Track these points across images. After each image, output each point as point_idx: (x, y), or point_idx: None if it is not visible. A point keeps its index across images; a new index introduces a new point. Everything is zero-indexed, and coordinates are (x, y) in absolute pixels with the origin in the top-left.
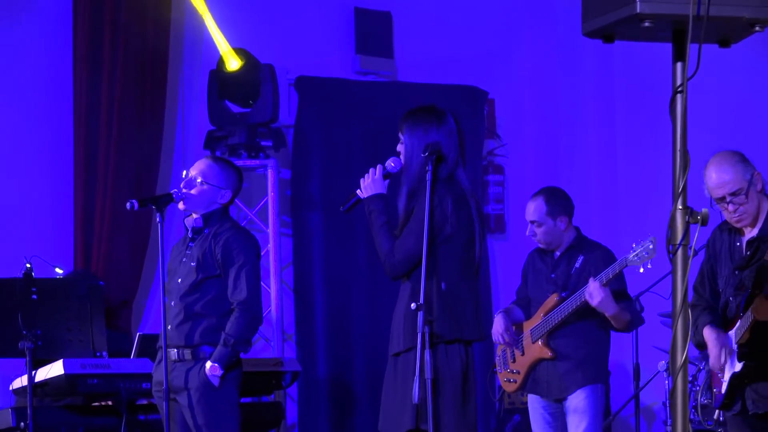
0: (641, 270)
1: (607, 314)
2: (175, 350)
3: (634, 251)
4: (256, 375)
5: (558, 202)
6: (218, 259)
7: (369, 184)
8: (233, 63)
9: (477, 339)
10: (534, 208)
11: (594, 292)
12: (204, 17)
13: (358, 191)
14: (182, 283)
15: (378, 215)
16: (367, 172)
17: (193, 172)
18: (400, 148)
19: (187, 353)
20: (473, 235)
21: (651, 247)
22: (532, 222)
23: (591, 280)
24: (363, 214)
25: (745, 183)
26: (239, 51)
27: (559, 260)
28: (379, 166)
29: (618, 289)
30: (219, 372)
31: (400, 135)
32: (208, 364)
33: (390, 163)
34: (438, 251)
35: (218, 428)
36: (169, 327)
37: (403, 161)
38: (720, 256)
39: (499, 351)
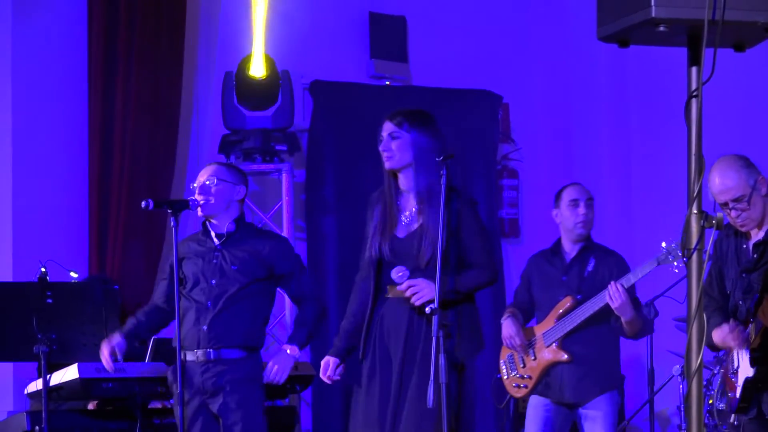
0: (676, 270)
1: (624, 318)
2: (210, 350)
3: (666, 249)
4: None
5: None
6: (267, 261)
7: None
8: (260, 71)
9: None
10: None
11: (615, 295)
12: (253, 19)
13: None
14: (220, 286)
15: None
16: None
17: (202, 178)
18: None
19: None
20: None
21: None
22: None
23: (612, 283)
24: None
25: (748, 189)
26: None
27: (572, 263)
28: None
29: (632, 297)
30: (298, 354)
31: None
32: (287, 347)
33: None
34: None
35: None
36: (205, 327)
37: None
38: (727, 258)
39: (503, 356)
